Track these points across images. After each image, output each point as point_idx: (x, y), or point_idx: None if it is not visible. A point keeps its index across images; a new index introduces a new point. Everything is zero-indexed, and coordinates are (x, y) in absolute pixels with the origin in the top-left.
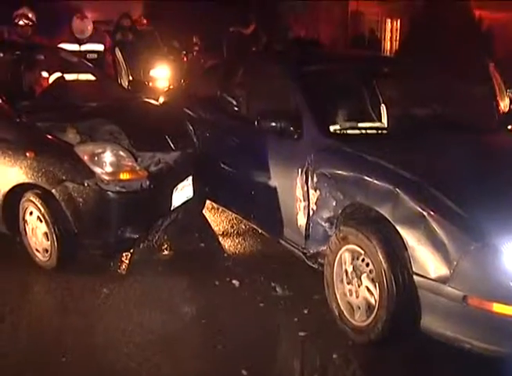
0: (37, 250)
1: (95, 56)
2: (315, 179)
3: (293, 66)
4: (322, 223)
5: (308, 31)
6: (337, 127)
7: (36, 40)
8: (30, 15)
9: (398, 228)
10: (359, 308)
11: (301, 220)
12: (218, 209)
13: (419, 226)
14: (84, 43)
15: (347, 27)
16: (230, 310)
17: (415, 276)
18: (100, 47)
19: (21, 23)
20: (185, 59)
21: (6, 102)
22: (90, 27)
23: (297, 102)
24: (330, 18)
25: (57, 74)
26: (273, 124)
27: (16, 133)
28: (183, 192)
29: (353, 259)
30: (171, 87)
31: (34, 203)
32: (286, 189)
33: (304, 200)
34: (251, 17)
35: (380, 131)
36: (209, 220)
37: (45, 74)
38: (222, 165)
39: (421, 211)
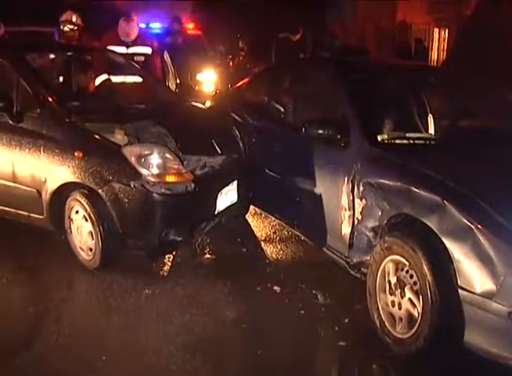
0: (81, 248)
1: (143, 58)
2: (361, 188)
3: (342, 75)
4: (367, 233)
5: (355, 40)
6: (385, 136)
7: (85, 42)
8: (74, 19)
9: (445, 240)
10: (401, 320)
11: (346, 229)
12: (261, 214)
13: (466, 239)
14: (132, 46)
15: (394, 36)
16: (271, 316)
17: (460, 290)
18: (148, 50)
19: (66, 29)
20: (231, 63)
21: (56, 102)
22: (136, 30)
23: (344, 110)
24: (377, 27)
25: (106, 76)
26: (320, 131)
27: (65, 133)
28: (228, 196)
29: (397, 270)
30: (218, 91)
31: (80, 202)
32: (331, 197)
33: (349, 209)
34: (299, 24)
35: (427, 142)
36: (252, 225)
37: (94, 75)
38: (267, 171)
39: (469, 224)
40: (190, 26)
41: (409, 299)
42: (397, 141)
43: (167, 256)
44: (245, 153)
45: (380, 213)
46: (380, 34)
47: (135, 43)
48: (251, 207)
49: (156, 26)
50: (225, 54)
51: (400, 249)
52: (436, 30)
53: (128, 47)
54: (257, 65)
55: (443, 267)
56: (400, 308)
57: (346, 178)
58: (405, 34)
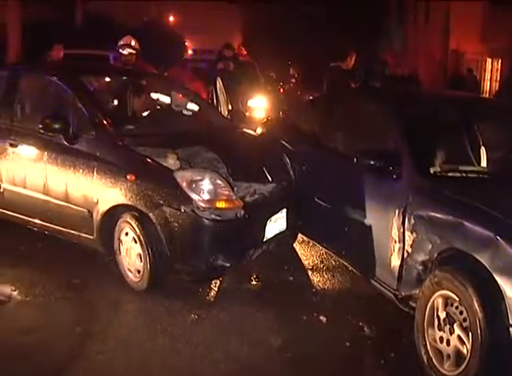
0: (129, 270)
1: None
2: (412, 221)
3: (394, 106)
4: (417, 266)
5: (406, 69)
6: (437, 169)
7: (140, 66)
8: (133, 43)
9: (496, 277)
10: (449, 356)
11: (395, 261)
12: (308, 243)
13: None
14: None
15: (446, 65)
16: (316, 346)
17: (511, 329)
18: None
19: (125, 52)
20: (281, 90)
21: (111, 125)
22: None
23: (396, 141)
24: (429, 56)
25: (160, 101)
26: (372, 162)
27: (119, 156)
28: (276, 224)
29: (446, 306)
30: (269, 118)
31: (130, 224)
32: (381, 228)
33: (399, 242)
34: (351, 53)
35: (480, 175)
36: (299, 253)
37: (148, 99)
38: (317, 199)
39: None
40: (243, 52)
41: (458, 336)
42: (449, 174)
43: (214, 281)
44: (295, 181)
45: (430, 247)
46: (431, 64)
47: None
48: (299, 235)
49: (210, 52)
50: (275, 81)
51: (450, 284)
52: (489, 61)
53: None
54: (308, 92)
55: (494, 304)
56: (448, 344)
57: (397, 211)
58: (457, 63)
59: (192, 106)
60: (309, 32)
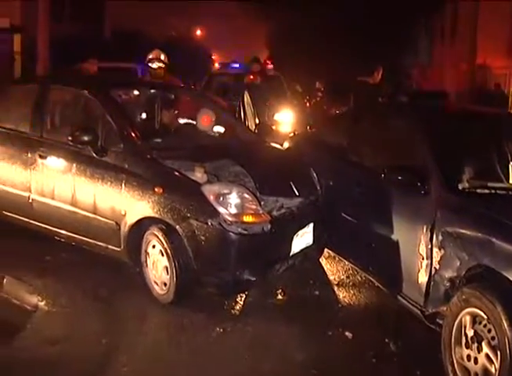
0: (155, 282)
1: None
2: (440, 237)
3: (422, 121)
4: (444, 283)
5: (432, 84)
6: (465, 185)
7: (168, 80)
8: (162, 57)
9: None
10: (477, 375)
11: (422, 278)
12: (334, 258)
13: None
14: None
15: (472, 80)
16: (342, 362)
17: None
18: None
19: (154, 66)
20: (307, 104)
21: (139, 138)
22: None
23: (425, 157)
24: (455, 70)
25: (188, 114)
26: (400, 178)
27: (147, 169)
28: (303, 238)
29: (474, 323)
30: (296, 132)
31: (157, 237)
32: (408, 244)
33: (426, 258)
34: (378, 68)
35: (509, 192)
36: (325, 268)
37: (176, 113)
38: (343, 214)
39: None
40: (269, 66)
41: (486, 354)
42: (478, 190)
43: (239, 295)
44: (322, 196)
45: (458, 263)
46: (457, 78)
47: None
48: (326, 250)
49: (236, 66)
50: (301, 94)
51: (478, 302)
52: None
53: None
54: (334, 106)
55: None
56: (476, 362)
57: (425, 227)
58: (484, 78)
59: (219, 129)
60: (335, 46)
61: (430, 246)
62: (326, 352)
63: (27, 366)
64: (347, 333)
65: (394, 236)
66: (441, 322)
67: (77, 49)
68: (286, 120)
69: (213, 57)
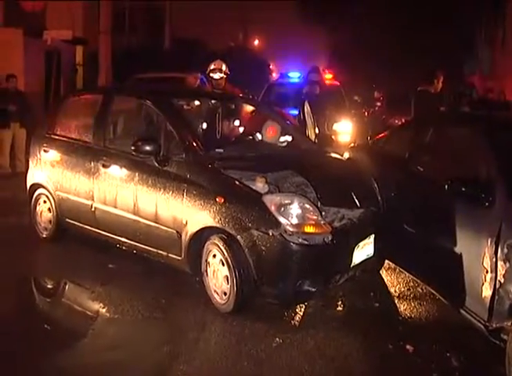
0: (216, 292)
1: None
2: (505, 250)
3: (487, 132)
4: (509, 297)
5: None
6: None
7: (229, 90)
8: (224, 68)
9: None
10: None
11: (486, 291)
12: (395, 269)
13: None
14: None
15: None
16: None
17: None
18: None
19: (216, 76)
20: (366, 113)
21: (201, 148)
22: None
23: (489, 169)
24: None
25: (249, 124)
26: (464, 189)
27: (208, 178)
28: (364, 250)
29: None
30: (356, 143)
31: (218, 246)
32: (472, 257)
33: (491, 271)
34: (438, 75)
35: None
36: (386, 280)
37: (237, 123)
38: (405, 226)
39: None
40: (328, 76)
41: None
42: None
43: (299, 306)
44: (383, 207)
45: None
46: None
47: None
48: (386, 261)
49: (295, 75)
50: (360, 104)
51: None
52: None
53: None
54: (393, 116)
55: None
56: None
57: (489, 239)
58: None
59: (286, 138)
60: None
61: (494, 259)
62: (387, 365)
63: (88, 371)
64: (408, 346)
65: (457, 249)
66: (505, 337)
67: (137, 60)
68: (345, 130)
69: (271, 67)
